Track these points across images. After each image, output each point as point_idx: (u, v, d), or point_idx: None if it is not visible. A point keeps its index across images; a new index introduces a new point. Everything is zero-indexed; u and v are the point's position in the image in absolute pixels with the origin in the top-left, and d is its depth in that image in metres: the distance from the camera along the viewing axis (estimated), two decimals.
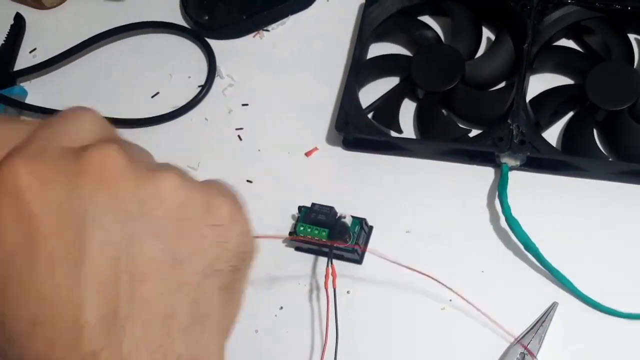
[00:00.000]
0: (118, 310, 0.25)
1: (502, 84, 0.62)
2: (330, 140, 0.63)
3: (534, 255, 0.54)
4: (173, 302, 0.26)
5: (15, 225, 0.24)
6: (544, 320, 0.52)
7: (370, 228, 0.58)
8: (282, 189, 0.61)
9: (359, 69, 0.63)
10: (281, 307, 0.57)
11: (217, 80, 0.68)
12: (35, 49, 0.73)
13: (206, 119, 0.66)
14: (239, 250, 0.28)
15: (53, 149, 0.26)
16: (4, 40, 0.73)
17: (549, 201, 0.57)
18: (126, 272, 0.25)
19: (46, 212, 0.24)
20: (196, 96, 0.67)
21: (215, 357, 0.28)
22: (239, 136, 0.65)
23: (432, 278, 0.52)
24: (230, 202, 0.29)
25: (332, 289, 0.52)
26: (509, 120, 0.57)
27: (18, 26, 0.74)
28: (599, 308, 0.52)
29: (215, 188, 0.29)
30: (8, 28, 0.74)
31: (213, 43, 0.69)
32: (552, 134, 0.60)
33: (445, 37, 0.65)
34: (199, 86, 0.68)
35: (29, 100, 0.70)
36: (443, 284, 0.52)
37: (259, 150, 0.64)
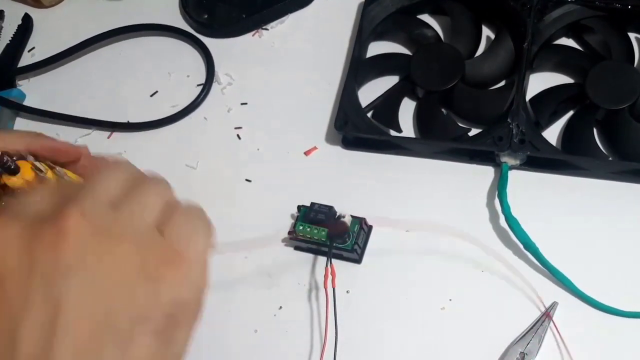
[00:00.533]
0: (51, 355, 0.28)
1: (502, 83, 0.62)
2: (330, 139, 0.63)
3: (533, 255, 0.54)
4: (102, 345, 0.30)
5: None
6: (544, 320, 0.52)
7: (370, 227, 0.58)
8: (282, 188, 0.61)
9: (359, 68, 0.63)
10: (280, 307, 0.57)
11: (216, 79, 0.68)
12: (33, 48, 0.73)
13: (205, 118, 0.66)
14: (171, 299, 0.32)
15: (28, 213, 0.31)
16: (10, 40, 0.73)
17: (549, 200, 0.57)
18: (62, 318, 0.29)
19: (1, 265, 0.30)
20: (195, 100, 0.67)
21: None
22: (238, 135, 0.65)
23: None
24: (177, 263, 0.32)
25: (332, 289, 0.52)
26: (508, 120, 0.57)
27: (25, 27, 0.74)
28: (599, 307, 0.52)
29: (171, 248, 0.32)
30: (4, 26, 0.74)
31: (212, 42, 0.69)
32: (552, 133, 0.59)
33: (445, 36, 0.65)
34: (198, 85, 0.68)
35: (27, 99, 0.70)
36: None
37: (258, 150, 0.64)
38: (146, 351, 0.31)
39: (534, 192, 0.57)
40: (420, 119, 0.62)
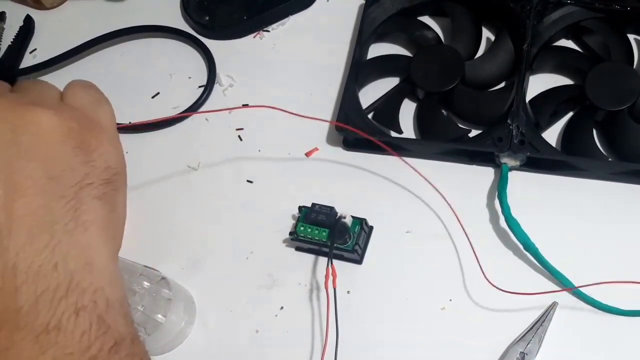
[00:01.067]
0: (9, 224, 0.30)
1: (502, 84, 0.62)
2: (331, 140, 0.63)
3: (533, 255, 0.54)
4: (54, 210, 0.31)
5: None
6: (544, 320, 0.52)
7: (371, 228, 0.58)
8: (283, 189, 0.62)
9: (359, 70, 0.63)
10: (282, 307, 0.57)
11: (217, 80, 0.68)
12: (35, 50, 0.73)
13: (207, 119, 0.66)
14: (105, 167, 0.34)
15: None
16: (11, 42, 0.73)
17: (548, 201, 0.57)
18: (3, 190, 0.30)
19: None
20: (196, 101, 0.67)
21: (104, 255, 0.33)
22: (239, 136, 0.65)
23: None
24: (97, 130, 0.35)
25: (332, 289, 0.52)
26: (508, 121, 0.57)
27: (27, 28, 0.74)
28: (599, 307, 0.53)
29: (85, 115, 0.35)
30: (5, 27, 0.75)
31: (213, 43, 0.70)
32: (552, 134, 0.60)
33: (445, 38, 0.65)
34: (200, 86, 0.68)
35: None
36: None
37: (259, 151, 0.64)
38: (94, 213, 0.33)
39: (534, 193, 0.58)
40: (420, 120, 0.62)
